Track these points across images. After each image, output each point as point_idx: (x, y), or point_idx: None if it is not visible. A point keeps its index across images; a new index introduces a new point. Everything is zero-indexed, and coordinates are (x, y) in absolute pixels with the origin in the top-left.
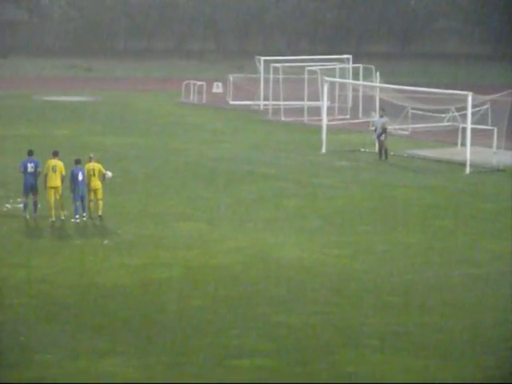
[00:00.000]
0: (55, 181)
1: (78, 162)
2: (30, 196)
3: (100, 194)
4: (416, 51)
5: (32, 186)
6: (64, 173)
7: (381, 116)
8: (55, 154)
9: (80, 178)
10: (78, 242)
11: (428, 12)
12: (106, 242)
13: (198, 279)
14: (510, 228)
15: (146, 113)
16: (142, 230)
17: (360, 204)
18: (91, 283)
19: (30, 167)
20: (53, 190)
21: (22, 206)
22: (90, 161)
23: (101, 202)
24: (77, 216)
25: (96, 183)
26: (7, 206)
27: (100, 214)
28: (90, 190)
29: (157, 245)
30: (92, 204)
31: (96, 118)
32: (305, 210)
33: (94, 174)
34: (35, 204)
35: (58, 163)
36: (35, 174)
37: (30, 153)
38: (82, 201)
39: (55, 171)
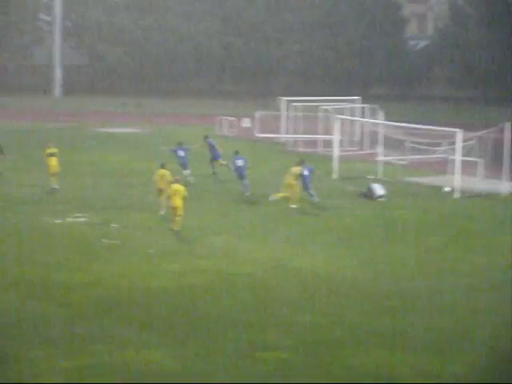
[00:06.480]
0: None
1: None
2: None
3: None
4: (415, 94)
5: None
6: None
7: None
8: (162, 166)
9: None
10: (126, 250)
11: (425, 62)
12: (151, 251)
13: (227, 284)
14: (492, 245)
15: (185, 143)
16: (182, 242)
17: (365, 222)
18: (139, 286)
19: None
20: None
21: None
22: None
23: (179, 219)
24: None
25: (178, 202)
26: (68, 219)
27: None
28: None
29: (193, 254)
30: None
31: (144, 147)
32: (318, 226)
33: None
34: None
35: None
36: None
37: (180, 143)
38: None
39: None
